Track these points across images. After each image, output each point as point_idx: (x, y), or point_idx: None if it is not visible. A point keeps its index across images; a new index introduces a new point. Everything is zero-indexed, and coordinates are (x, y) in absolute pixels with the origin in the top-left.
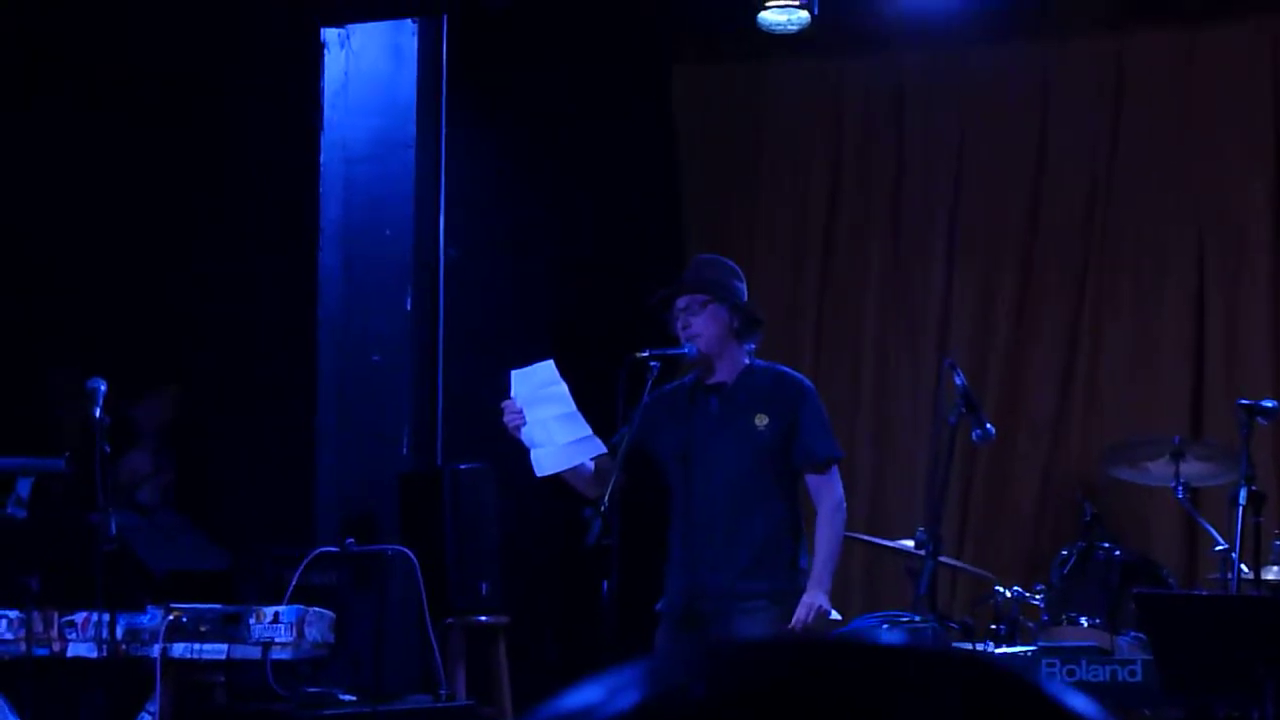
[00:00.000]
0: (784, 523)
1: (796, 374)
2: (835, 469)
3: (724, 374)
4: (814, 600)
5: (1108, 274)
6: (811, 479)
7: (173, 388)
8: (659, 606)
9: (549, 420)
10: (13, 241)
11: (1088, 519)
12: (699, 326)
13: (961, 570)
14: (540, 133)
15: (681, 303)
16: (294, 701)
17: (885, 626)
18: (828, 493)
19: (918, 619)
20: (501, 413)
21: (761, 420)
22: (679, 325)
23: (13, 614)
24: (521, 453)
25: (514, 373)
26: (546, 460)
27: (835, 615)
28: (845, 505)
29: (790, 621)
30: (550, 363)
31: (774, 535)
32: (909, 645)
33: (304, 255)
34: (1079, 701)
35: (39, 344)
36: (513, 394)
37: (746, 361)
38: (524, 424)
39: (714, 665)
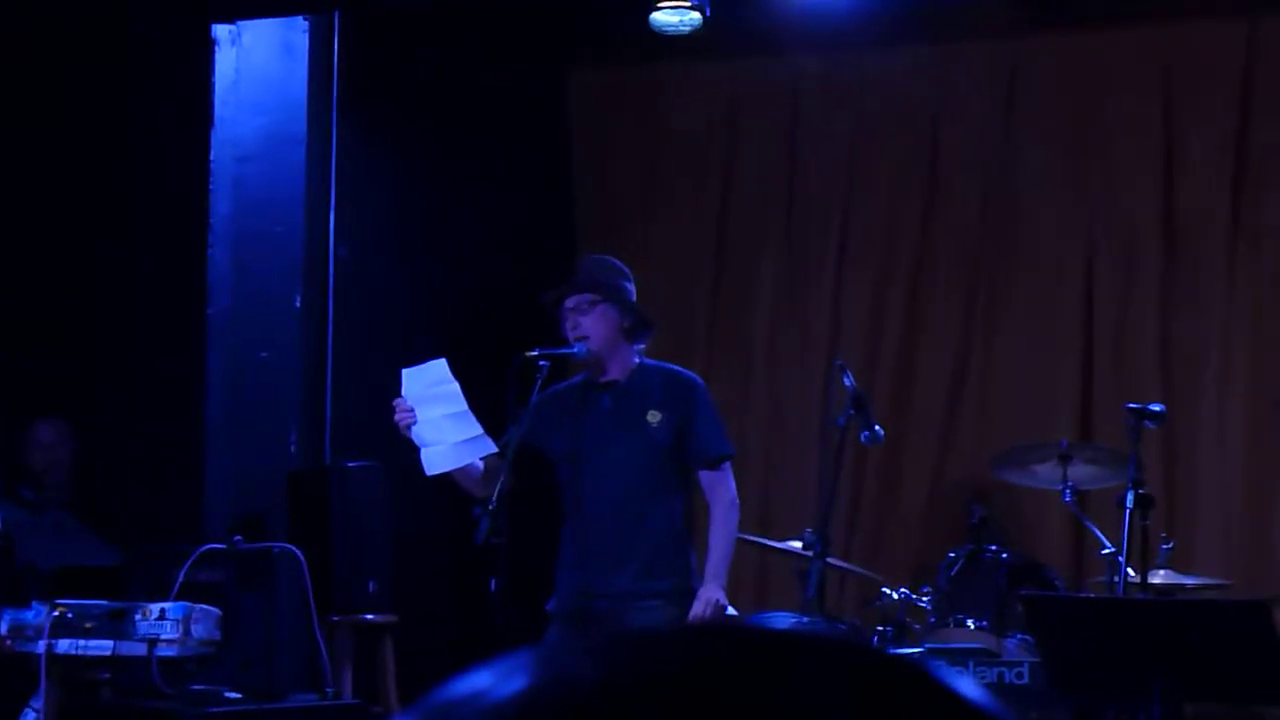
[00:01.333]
0: (680, 520)
1: (688, 372)
2: (728, 465)
3: (615, 373)
4: (712, 595)
5: (1000, 278)
6: (705, 476)
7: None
8: (549, 606)
9: (440, 419)
10: None
11: (975, 522)
12: (588, 326)
13: (850, 572)
14: (433, 132)
15: (570, 303)
16: (180, 699)
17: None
18: (722, 490)
19: (805, 620)
20: (392, 411)
21: (655, 417)
22: (568, 325)
23: None
24: (411, 452)
25: (405, 371)
26: (436, 459)
27: (732, 611)
28: (738, 502)
29: (688, 618)
30: (443, 361)
31: (671, 533)
32: (798, 631)
33: (193, 252)
34: (967, 687)
35: None
36: (404, 392)
37: (637, 360)
38: (414, 422)
39: (604, 652)
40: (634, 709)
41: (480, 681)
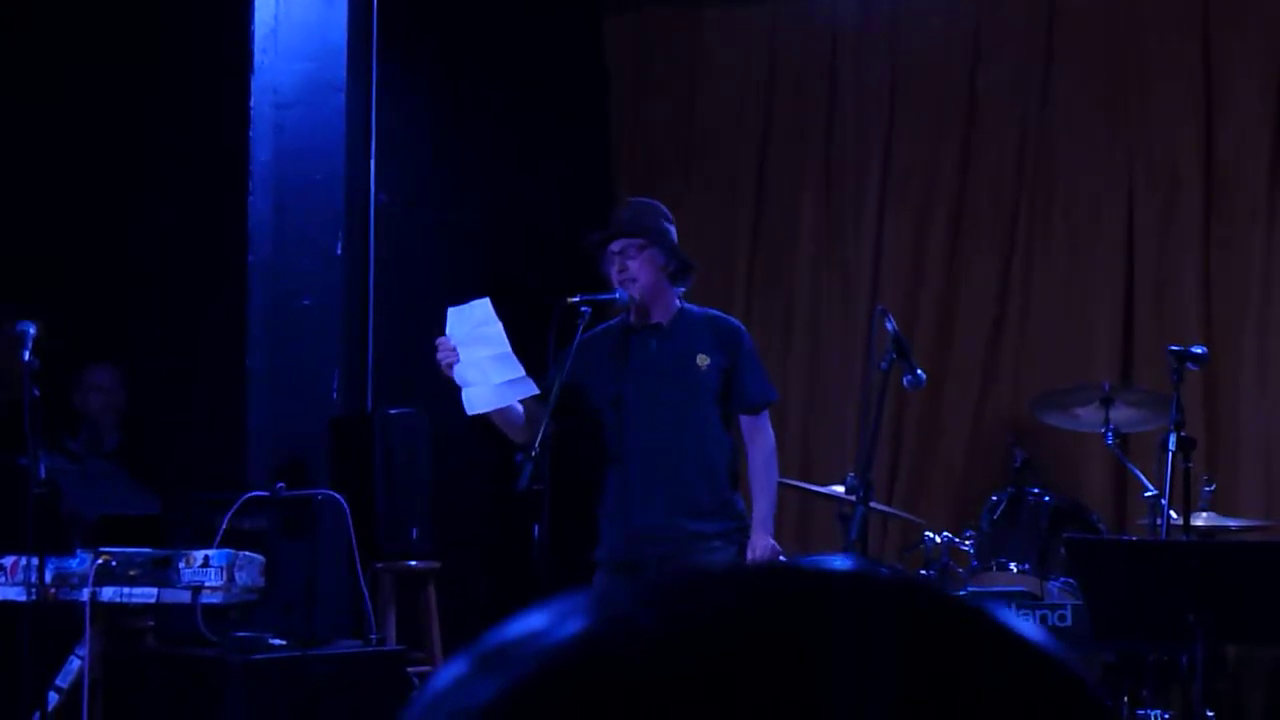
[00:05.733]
0: (730, 462)
1: (730, 317)
2: (767, 412)
3: (658, 316)
4: (769, 543)
5: (1039, 220)
6: (746, 421)
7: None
8: (597, 555)
9: (483, 359)
10: None
11: (1018, 465)
12: (635, 270)
13: (892, 516)
14: (472, 77)
15: (617, 246)
16: (224, 646)
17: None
18: (762, 436)
19: (863, 562)
20: (435, 350)
21: (703, 361)
22: (614, 268)
23: None
24: (453, 397)
25: (450, 310)
26: (478, 399)
27: (784, 558)
28: (775, 449)
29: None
30: (486, 301)
31: (723, 475)
32: (851, 572)
33: (234, 199)
34: (1024, 627)
35: None
36: (447, 331)
37: (679, 304)
38: (457, 361)
39: (661, 593)
40: (692, 649)
41: (536, 623)
